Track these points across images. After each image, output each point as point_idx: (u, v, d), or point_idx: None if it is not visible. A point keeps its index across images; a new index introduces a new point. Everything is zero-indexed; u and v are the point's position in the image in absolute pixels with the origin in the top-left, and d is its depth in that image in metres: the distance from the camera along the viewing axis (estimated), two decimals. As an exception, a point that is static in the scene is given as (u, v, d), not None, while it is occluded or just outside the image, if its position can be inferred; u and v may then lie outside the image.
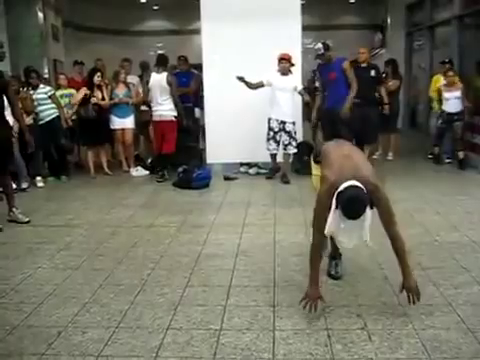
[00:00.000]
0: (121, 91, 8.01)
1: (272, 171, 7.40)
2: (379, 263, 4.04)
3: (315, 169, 3.55)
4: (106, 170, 7.94)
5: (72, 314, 3.28)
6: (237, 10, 7.52)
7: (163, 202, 6.26)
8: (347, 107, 6.85)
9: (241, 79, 6.78)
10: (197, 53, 8.07)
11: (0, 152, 5.22)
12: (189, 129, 8.09)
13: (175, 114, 7.44)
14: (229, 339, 2.94)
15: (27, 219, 5.37)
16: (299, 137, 7.45)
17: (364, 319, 3.13)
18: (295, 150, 7.15)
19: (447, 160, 8.20)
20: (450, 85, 7.71)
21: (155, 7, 16.37)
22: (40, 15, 10.55)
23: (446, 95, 7.78)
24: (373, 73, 7.67)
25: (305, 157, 7.66)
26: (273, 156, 7.27)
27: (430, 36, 10.75)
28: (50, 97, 7.41)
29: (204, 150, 8.21)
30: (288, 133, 7.01)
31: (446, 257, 4.16)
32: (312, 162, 3.68)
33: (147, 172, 7.96)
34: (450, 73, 7.74)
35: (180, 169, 7.03)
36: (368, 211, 2.90)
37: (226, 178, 7.48)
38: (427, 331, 2.97)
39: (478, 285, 3.59)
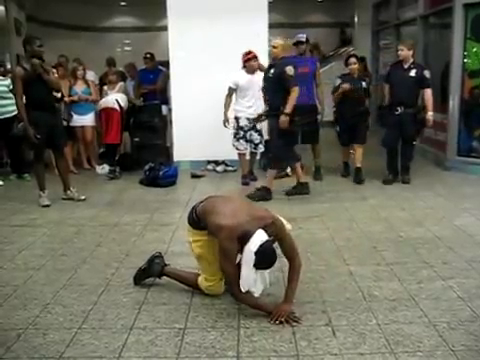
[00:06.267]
0: (80, 88, 7.85)
1: (246, 177, 6.94)
2: (344, 259, 4.08)
3: (194, 235, 3.33)
4: (71, 168, 7.77)
5: (33, 316, 3.21)
6: (204, 7, 7.48)
7: (129, 200, 6.18)
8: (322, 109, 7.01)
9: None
10: (165, 50, 7.99)
11: None
12: (156, 126, 8.01)
13: (121, 103, 7.53)
14: (193, 338, 2.92)
15: None
16: (265, 134, 7.39)
17: (329, 315, 3.14)
18: (263, 149, 7.09)
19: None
20: None
21: (122, 3, 16.18)
22: (1, 8, 10.29)
23: None
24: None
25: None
26: (243, 156, 7.03)
27: (396, 34, 10.88)
28: (11, 91, 7.15)
29: (171, 148, 8.14)
30: (258, 132, 6.93)
31: (410, 252, 4.22)
32: (190, 228, 3.36)
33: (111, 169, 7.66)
34: None
35: (146, 167, 6.95)
36: None
37: (193, 176, 7.42)
38: (390, 326, 3.00)
39: (440, 280, 3.65)
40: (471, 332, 2.91)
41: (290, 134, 5.98)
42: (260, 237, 2.95)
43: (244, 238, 2.98)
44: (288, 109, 5.78)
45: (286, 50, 6.13)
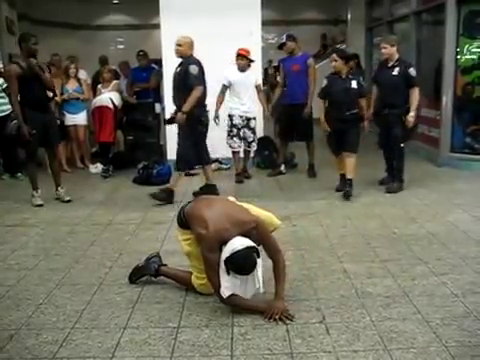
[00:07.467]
0: (71, 86, 7.80)
1: (240, 175, 6.91)
2: (338, 256, 4.07)
3: (183, 234, 3.42)
4: (64, 167, 7.73)
5: (26, 316, 3.19)
6: (197, 4, 7.45)
7: (122, 199, 6.16)
8: (309, 105, 6.87)
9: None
10: (158, 48, 7.96)
11: None
12: (149, 125, 7.98)
13: (116, 102, 7.49)
14: (187, 336, 2.91)
15: None
16: (259, 132, 7.40)
17: (323, 312, 3.14)
18: (256, 147, 7.12)
19: None
20: None
21: (115, 1, 16.10)
22: (-8, 7, 10.21)
23: None
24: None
25: (265, 152, 7.69)
26: (236, 154, 7.02)
27: (389, 31, 10.88)
28: (4, 90, 7.10)
29: (164, 146, 8.12)
30: (252, 130, 6.93)
31: (404, 249, 4.22)
32: (179, 228, 3.47)
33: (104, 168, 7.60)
34: None
35: (140, 165, 6.93)
36: (258, 260, 3.04)
37: (187, 174, 7.39)
38: (384, 323, 3.00)
39: (434, 276, 3.65)
40: (464, 328, 2.92)
41: (197, 135, 5.89)
42: (233, 245, 2.97)
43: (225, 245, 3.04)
44: (186, 107, 5.64)
45: (192, 48, 5.93)
